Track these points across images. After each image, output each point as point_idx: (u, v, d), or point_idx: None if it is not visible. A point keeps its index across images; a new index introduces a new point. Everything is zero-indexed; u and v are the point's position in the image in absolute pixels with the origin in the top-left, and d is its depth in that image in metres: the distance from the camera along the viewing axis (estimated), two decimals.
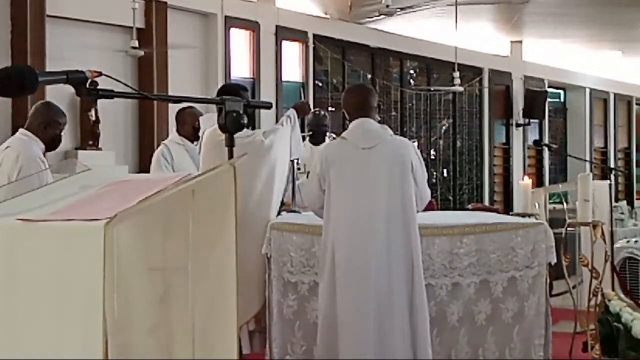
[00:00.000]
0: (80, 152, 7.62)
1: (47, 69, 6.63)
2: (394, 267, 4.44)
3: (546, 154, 14.83)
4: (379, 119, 4.84)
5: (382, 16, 10.32)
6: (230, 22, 9.23)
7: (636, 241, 8.13)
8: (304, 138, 6.49)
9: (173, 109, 8.28)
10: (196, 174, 2.81)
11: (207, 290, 2.45)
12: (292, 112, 5.63)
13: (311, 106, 8.09)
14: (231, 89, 5.33)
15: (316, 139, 7.13)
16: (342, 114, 4.91)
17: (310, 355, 4.98)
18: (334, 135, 6.76)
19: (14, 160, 4.99)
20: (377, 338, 4.41)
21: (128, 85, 3.02)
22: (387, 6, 9.52)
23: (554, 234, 5.17)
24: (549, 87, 14.88)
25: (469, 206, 11.33)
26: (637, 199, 16.91)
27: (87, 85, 2.56)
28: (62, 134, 5.32)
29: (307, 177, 5.51)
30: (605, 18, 11.85)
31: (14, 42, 7.24)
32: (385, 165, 4.57)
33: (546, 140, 14.51)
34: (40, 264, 2.19)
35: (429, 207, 5.08)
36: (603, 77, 15.94)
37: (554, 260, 5.09)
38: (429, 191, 4.76)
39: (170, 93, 8.21)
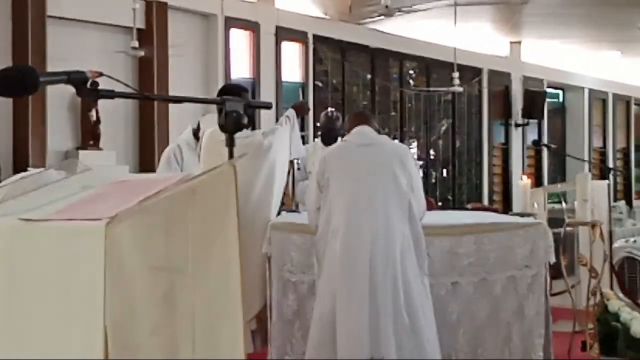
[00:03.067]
0: (81, 152, 7.62)
1: (48, 69, 6.64)
2: (390, 253, 4.45)
3: (545, 154, 14.84)
4: None
5: (381, 17, 10.34)
6: (231, 22, 9.24)
7: (635, 241, 8.14)
8: (303, 138, 6.49)
9: (173, 109, 8.31)
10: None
11: (210, 289, 2.45)
12: (291, 113, 5.64)
13: (310, 106, 8.09)
14: (232, 90, 5.34)
15: (328, 140, 6.96)
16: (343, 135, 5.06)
17: None
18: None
19: None
20: (372, 326, 4.40)
21: (129, 86, 3.03)
22: (387, 7, 9.53)
23: (553, 233, 5.18)
24: (548, 87, 14.88)
25: (468, 206, 11.34)
26: (635, 198, 16.92)
27: (88, 86, 2.57)
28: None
29: None
30: (605, 18, 11.85)
31: (15, 43, 7.24)
32: (383, 159, 4.66)
33: (545, 140, 14.51)
34: (41, 264, 2.18)
35: (428, 207, 5.10)
36: (602, 78, 15.94)
37: (552, 260, 5.10)
38: (424, 201, 4.82)
39: (170, 93, 8.21)
